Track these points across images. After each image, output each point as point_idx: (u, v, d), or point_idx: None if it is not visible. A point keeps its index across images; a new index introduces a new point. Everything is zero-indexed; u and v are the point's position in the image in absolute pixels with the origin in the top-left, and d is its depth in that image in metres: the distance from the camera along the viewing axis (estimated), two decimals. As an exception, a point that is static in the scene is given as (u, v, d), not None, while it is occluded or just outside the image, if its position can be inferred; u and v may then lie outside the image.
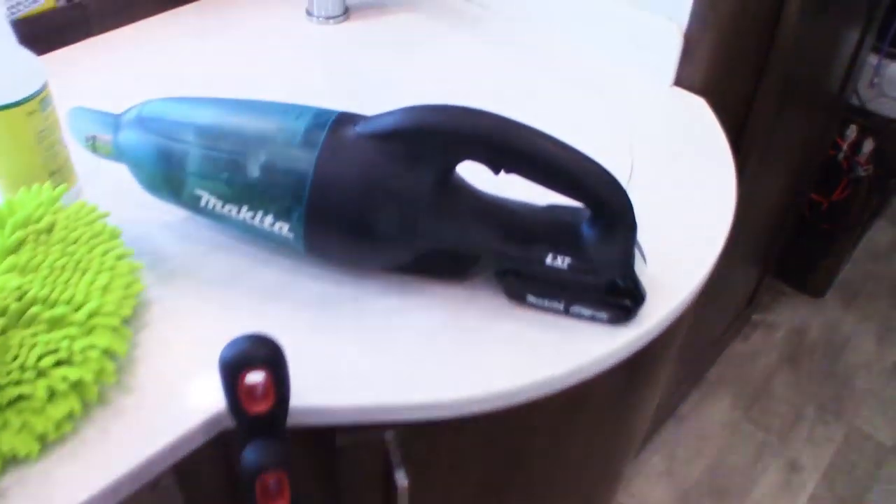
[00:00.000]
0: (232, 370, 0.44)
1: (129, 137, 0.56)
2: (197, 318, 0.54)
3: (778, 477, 1.46)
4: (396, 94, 0.79)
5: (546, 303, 0.56)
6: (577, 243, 0.54)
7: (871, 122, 1.36)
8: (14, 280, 0.50)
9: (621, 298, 0.55)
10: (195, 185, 0.54)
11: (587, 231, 0.54)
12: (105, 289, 0.52)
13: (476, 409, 0.52)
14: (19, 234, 0.52)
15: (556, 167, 0.50)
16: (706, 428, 1.53)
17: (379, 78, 0.83)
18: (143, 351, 0.52)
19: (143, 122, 0.55)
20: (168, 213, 0.61)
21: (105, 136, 0.58)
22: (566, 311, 0.56)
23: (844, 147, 1.40)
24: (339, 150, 0.52)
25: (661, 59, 0.80)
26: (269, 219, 0.53)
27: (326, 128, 0.53)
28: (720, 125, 0.77)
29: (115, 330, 0.51)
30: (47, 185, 0.57)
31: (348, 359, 0.52)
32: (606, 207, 0.52)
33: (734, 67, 0.84)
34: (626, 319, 0.56)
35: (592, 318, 0.56)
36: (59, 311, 0.49)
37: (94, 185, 0.65)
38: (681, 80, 0.81)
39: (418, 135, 0.51)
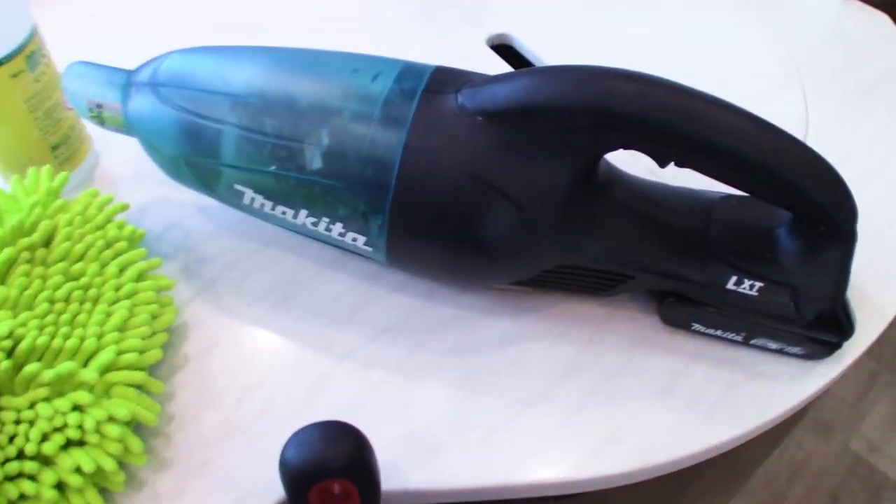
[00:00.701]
0: (299, 484, 0.31)
1: (141, 108, 0.41)
2: (250, 349, 0.41)
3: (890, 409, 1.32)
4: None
5: (719, 333, 0.40)
6: (772, 261, 0.38)
7: None
8: (3, 324, 0.36)
9: (826, 331, 0.39)
10: (233, 179, 0.39)
11: (786, 242, 0.38)
12: (124, 327, 0.39)
13: (622, 482, 0.38)
14: (7, 252, 0.39)
15: (759, 163, 0.34)
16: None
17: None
18: (180, 404, 0.39)
19: (159, 87, 0.40)
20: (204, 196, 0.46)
21: (114, 104, 0.42)
22: (745, 343, 0.41)
23: None
24: (435, 131, 0.36)
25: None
26: (337, 227, 0.38)
27: (417, 97, 0.37)
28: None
29: (140, 388, 0.38)
30: (45, 170, 0.43)
31: (445, 414, 0.38)
32: (825, 216, 0.36)
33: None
34: (827, 355, 0.40)
35: (781, 352, 0.41)
36: (63, 368, 0.36)
37: (112, 152, 0.51)
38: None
39: (553, 114, 0.35)
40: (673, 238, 0.38)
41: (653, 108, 0.33)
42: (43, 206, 0.41)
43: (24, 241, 0.40)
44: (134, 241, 0.42)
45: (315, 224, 0.39)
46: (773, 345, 0.40)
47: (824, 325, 0.39)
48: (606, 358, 0.40)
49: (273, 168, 0.38)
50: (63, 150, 0.47)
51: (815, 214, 0.36)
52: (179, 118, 0.39)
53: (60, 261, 0.40)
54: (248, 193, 0.39)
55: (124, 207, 0.43)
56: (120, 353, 0.38)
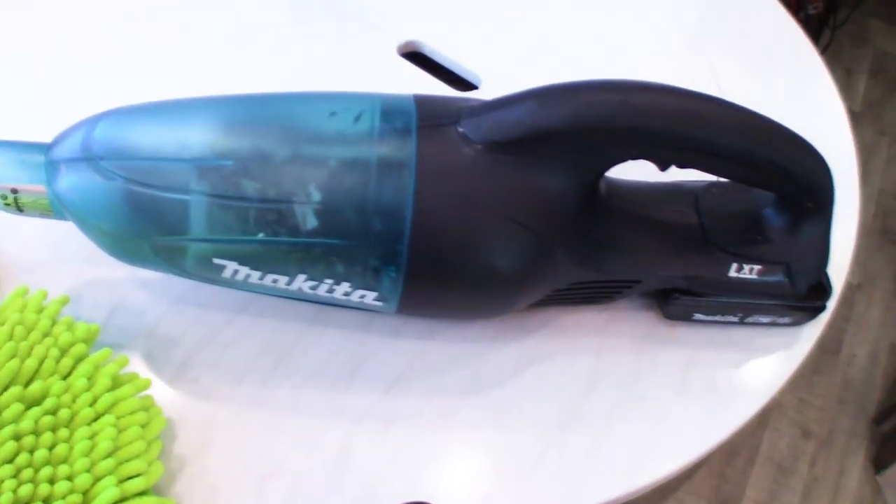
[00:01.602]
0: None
1: (78, 188, 0.35)
2: (253, 433, 0.37)
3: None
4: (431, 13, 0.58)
5: (718, 318, 0.41)
6: (764, 242, 0.39)
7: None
8: (5, 469, 0.30)
9: (811, 298, 0.41)
10: (209, 253, 0.34)
11: (774, 221, 0.39)
12: (115, 448, 0.33)
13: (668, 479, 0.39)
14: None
15: (763, 157, 0.35)
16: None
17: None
18: (192, 517, 0.34)
19: (98, 161, 0.34)
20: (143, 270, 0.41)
21: (35, 187, 0.36)
22: (741, 322, 0.42)
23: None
24: (444, 169, 0.34)
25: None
26: (342, 287, 0.35)
27: (413, 134, 0.34)
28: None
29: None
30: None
31: (483, 457, 0.37)
32: (812, 194, 0.37)
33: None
34: (812, 319, 0.43)
35: (772, 324, 0.42)
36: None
37: (6, 235, 0.43)
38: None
39: (566, 136, 0.33)
40: (674, 236, 0.39)
41: (667, 117, 0.33)
42: (-32, 319, 0.35)
43: (-42, 368, 0.33)
44: (90, 340, 0.37)
45: (315, 287, 0.35)
46: (765, 319, 0.42)
47: (809, 292, 0.41)
48: (619, 364, 0.40)
49: (261, 236, 0.34)
50: (-42, 244, 0.39)
51: (804, 193, 0.37)
52: (133, 194, 0.34)
53: (10, 384, 0.34)
54: (231, 266, 0.35)
55: (65, 301, 0.37)
56: (121, 482, 0.32)
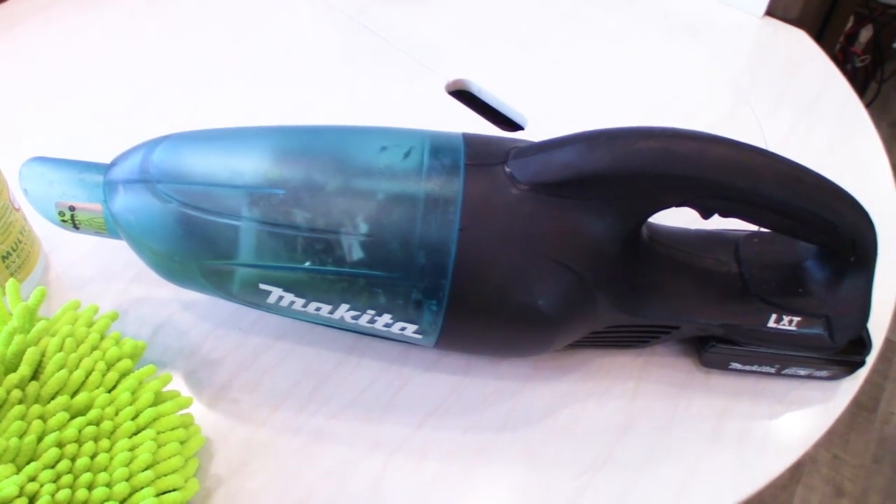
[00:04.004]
0: None
1: (133, 208, 0.36)
2: (288, 460, 0.37)
3: None
4: (446, 47, 0.59)
5: (755, 368, 0.41)
6: (805, 294, 0.39)
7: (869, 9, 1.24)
8: (8, 483, 0.31)
9: (850, 352, 0.41)
10: (256, 279, 0.35)
11: (815, 274, 0.39)
12: (154, 462, 0.34)
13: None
14: (-3, 395, 0.33)
15: (808, 209, 0.35)
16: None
17: (412, 31, 0.62)
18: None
19: (155, 182, 0.35)
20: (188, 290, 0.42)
21: (91, 206, 0.37)
22: (778, 373, 0.42)
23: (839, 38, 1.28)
24: (489, 208, 0.34)
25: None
26: (384, 318, 0.36)
27: (461, 172, 0.35)
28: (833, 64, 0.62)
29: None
30: (11, 286, 0.37)
31: (515, 497, 0.37)
32: (856, 248, 0.37)
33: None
34: (850, 374, 0.42)
35: (809, 377, 0.42)
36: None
37: (59, 251, 0.45)
38: (775, 9, 0.65)
39: (612, 181, 0.34)
40: (714, 284, 0.39)
41: (713, 166, 0.33)
42: (23, 331, 0.36)
43: (12, 378, 0.34)
44: (136, 356, 0.38)
45: (357, 318, 0.36)
46: (802, 372, 0.41)
47: (848, 347, 0.41)
48: (654, 409, 0.40)
49: (307, 264, 0.35)
50: (14, 258, 0.41)
51: (848, 248, 0.37)
52: (186, 217, 0.35)
53: (58, 394, 0.35)
54: (276, 292, 0.36)
55: (114, 317, 0.38)
56: (158, 495, 0.33)
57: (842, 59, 1.31)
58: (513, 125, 0.56)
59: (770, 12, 0.64)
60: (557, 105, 0.56)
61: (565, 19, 0.64)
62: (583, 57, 0.60)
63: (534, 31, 0.62)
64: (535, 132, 0.54)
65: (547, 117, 0.55)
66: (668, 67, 0.60)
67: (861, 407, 1.29)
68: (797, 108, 0.58)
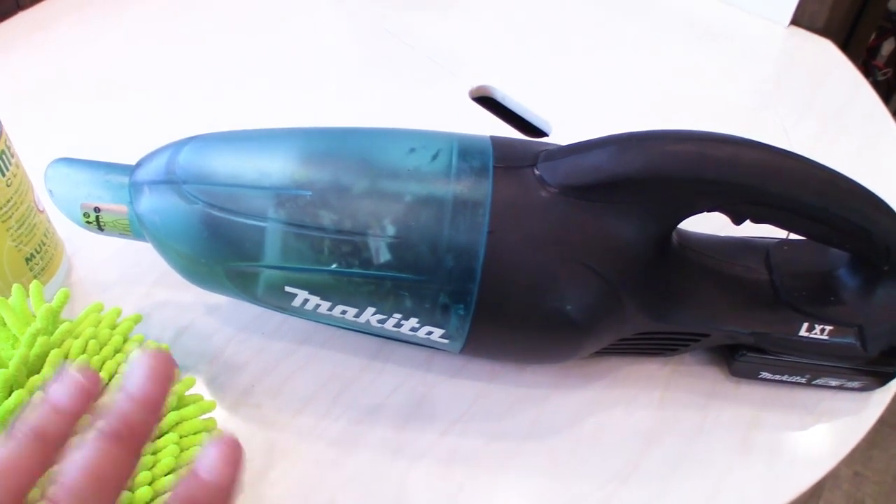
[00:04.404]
0: None
1: (159, 210, 0.36)
2: (311, 466, 0.37)
3: None
4: (464, 49, 0.59)
5: (785, 378, 0.40)
6: (837, 303, 0.38)
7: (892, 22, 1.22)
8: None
9: (883, 363, 0.40)
10: (282, 281, 0.35)
11: (848, 283, 0.38)
12: (176, 466, 0.34)
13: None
14: (18, 396, 0.33)
15: (841, 215, 0.34)
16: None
17: (434, 32, 0.62)
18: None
19: (180, 183, 0.35)
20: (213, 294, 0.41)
21: (117, 207, 0.37)
22: (808, 384, 0.41)
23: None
24: (518, 210, 0.34)
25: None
26: (410, 322, 0.35)
27: (490, 174, 0.34)
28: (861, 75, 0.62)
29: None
30: (35, 287, 0.37)
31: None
32: (890, 257, 0.36)
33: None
34: (883, 385, 0.41)
35: (840, 388, 0.41)
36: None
37: (81, 253, 0.45)
38: (800, 19, 0.64)
39: (644, 184, 0.33)
40: (745, 292, 0.38)
41: (747, 171, 0.33)
42: (47, 332, 0.36)
43: (35, 380, 0.34)
44: (159, 360, 0.37)
45: (383, 321, 0.35)
46: (833, 382, 0.41)
47: (881, 357, 0.40)
48: (682, 418, 0.40)
49: (334, 266, 0.34)
50: (38, 259, 0.41)
51: (881, 255, 0.36)
52: (212, 219, 0.34)
53: (80, 396, 0.34)
54: (302, 295, 0.35)
55: (138, 319, 0.38)
56: None
57: (864, 73, 1.30)
58: (537, 132, 0.55)
59: (795, 21, 0.64)
60: (581, 112, 0.55)
61: (589, 26, 0.63)
62: (607, 64, 0.60)
63: (557, 37, 0.62)
64: (559, 139, 0.53)
65: (571, 124, 0.54)
66: (691, 75, 0.59)
67: (883, 423, 1.26)
68: (823, 116, 0.57)
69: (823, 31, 0.63)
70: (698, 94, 0.58)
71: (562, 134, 0.54)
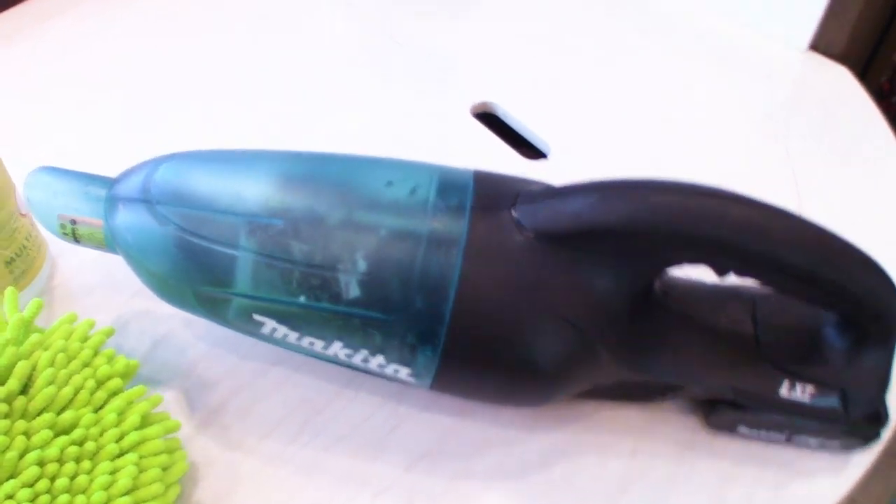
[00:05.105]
0: None
1: (132, 228, 0.35)
2: (273, 492, 0.36)
3: None
4: (474, 62, 0.58)
5: (763, 434, 0.40)
6: (821, 363, 0.37)
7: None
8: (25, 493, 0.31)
9: (865, 425, 0.39)
10: (250, 309, 0.35)
11: (834, 343, 0.37)
12: (134, 487, 0.33)
13: None
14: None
15: (830, 278, 0.33)
16: None
17: (438, 43, 0.61)
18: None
19: (155, 205, 0.35)
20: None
21: (93, 220, 0.37)
22: (787, 440, 0.40)
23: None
24: (492, 255, 0.33)
25: (797, 16, 0.61)
26: (377, 359, 0.35)
27: (467, 215, 0.33)
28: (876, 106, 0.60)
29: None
30: (10, 294, 0.37)
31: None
32: (880, 321, 0.35)
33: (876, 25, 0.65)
34: (864, 446, 0.40)
35: (820, 447, 0.40)
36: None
37: (65, 256, 0.44)
38: (818, 43, 0.62)
39: (624, 236, 0.32)
40: (727, 346, 0.37)
41: (734, 227, 0.32)
42: (16, 343, 0.35)
43: (4, 392, 0.34)
44: (128, 376, 0.37)
45: (350, 356, 0.35)
46: (813, 441, 0.39)
47: (863, 421, 0.39)
48: (654, 469, 0.39)
49: (302, 299, 0.34)
50: (19, 263, 0.41)
51: (870, 319, 0.35)
52: (183, 242, 0.34)
53: (44, 410, 0.34)
54: (270, 324, 0.35)
55: (110, 333, 0.38)
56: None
57: (888, 91, 1.26)
58: (536, 153, 0.54)
59: (814, 46, 0.62)
60: (583, 134, 0.54)
61: (598, 48, 0.62)
62: (614, 86, 0.58)
63: (566, 57, 0.61)
64: (558, 161, 0.52)
65: (570, 148, 0.53)
66: (701, 99, 0.58)
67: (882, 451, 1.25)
68: (833, 147, 0.56)
69: (841, 57, 0.61)
70: (706, 120, 0.57)
71: (560, 158, 0.53)
